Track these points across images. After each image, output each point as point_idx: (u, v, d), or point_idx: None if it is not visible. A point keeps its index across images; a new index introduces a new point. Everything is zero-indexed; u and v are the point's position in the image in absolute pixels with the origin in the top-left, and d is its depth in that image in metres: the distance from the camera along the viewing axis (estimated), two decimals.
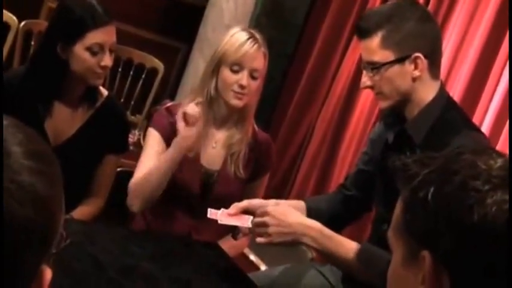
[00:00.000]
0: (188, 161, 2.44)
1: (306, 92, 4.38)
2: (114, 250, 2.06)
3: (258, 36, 2.41)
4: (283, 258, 3.41)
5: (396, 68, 2.01)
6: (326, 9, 4.34)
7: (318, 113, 4.26)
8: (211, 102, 2.41)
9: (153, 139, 2.43)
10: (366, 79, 2.06)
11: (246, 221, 2.03)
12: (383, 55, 2.01)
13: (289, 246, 2.05)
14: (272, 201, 2.14)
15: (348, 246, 2.00)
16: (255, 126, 2.53)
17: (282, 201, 2.23)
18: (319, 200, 2.30)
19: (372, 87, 2.07)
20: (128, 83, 4.28)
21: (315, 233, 1.98)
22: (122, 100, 4.14)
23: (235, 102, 2.36)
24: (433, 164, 0.95)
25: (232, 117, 2.44)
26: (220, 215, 2.06)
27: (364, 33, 2.04)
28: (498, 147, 2.99)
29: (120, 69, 4.17)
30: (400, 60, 2.01)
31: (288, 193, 4.29)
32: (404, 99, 2.05)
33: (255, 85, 2.38)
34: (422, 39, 2.02)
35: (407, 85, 2.03)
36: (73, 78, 2.36)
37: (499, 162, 0.93)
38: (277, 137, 4.31)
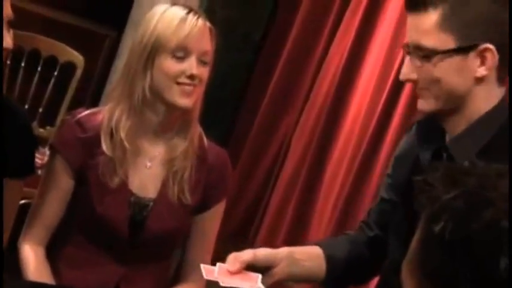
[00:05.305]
0: (111, 191, 2.44)
1: (280, 92, 4.42)
2: None
3: (195, 8, 2.49)
4: None
5: (456, 60, 1.94)
6: None
7: (297, 121, 4.28)
8: (144, 108, 2.41)
9: (55, 168, 2.47)
10: (408, 69, 1.99)
11: (255, 282, 1.98)
12: (440, 40, 1.94)
13: None
14: (284, 250, 2.10)
15: None
16: (204, 137, 2.55)
17: (298, 249, 2.17)
18: (339, 244, 2.29)
19: (415, 82, 2.00)
20: (34, 83, 4.27)
21: None
22: (26, 106, 4.11)
23: (183, 101, 2.38)
24: (463, 184, 0.93)
25: (172, 124, 2.45)
26: (219, 274, 1.97)
27: (417, 3, 1.95)
28: None
29: (23, 64, 4.13)
30: (463, 50, 1.94)
31: (256, 231, 4.28)
32: (456, 107, 1.99)
33: (206, 73, 2.42)
34: (494, 26, 1.93)
35: (466, 87, 1.96)
36: None
37: None
38: (240, 154, 4.33)
